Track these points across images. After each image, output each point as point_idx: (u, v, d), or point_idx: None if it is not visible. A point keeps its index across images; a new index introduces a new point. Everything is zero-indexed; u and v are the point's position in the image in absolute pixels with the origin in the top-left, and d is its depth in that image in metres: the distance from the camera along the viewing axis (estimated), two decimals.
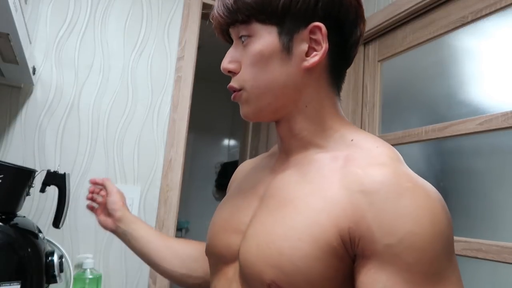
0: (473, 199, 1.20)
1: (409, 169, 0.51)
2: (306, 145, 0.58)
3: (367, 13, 1.71)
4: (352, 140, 0.56)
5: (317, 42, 0.55)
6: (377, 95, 1.67)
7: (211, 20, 0.60)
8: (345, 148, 0.55)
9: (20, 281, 0.84)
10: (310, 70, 0.56)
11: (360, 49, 1.79)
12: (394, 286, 0.43)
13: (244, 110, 0.59)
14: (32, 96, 1.30)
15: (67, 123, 1.34)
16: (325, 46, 0.54)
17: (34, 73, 1.22)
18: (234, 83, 0.58)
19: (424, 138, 1.38)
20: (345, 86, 2.03)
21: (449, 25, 1.35)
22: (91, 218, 1.33)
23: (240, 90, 0.57)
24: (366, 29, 1.67)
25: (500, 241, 1.08)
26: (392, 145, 1.65)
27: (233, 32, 0.58)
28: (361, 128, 1.72)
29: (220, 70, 0.61)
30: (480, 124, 1.19)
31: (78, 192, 1.32)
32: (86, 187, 1.33)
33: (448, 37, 1.37)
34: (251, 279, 0.52)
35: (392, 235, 0.44)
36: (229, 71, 0.58)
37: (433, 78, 1.41)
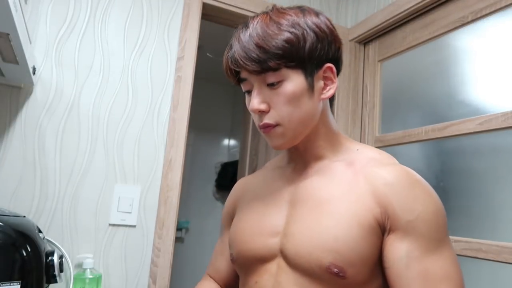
0: (473, 199, 1.20)
1: None
2: (320, 157, 0.73)
3: (367, 13, 1.71)
4: (357, 149, 0.73)
5: (328, 79, 0.71)
6: (377, 95, 1.67)
7: (227, 67, 0.69)
8: (354, 156, 0.71)
9: (20, 281, 0.84)
10: (323, 100, 0.71)
11: (360, 49, 1.79)
12: (414, 250, 0.60)
13: (277, 142, 0.70)
14: (32, 96, 1.30)
15: (67, 123, 1.34)
16: (336, 81, 0.71)
17: (34, 73, 1.22)
18: (269, 120, 0.68)
19: (424, 138, 1.38)
20: (345, 86, 2.02)
21: (449, 25, 1.35)
22: (91, 217, 1.33)
23: (275, 125, 0.68)
24: (366, 29, 1.68)
25: (500, 241, 1.08)
26: (392, 145, 1.63)
27: (256, 78, 0.67)
28: (361, 128, 1.72)
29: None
30: (480, 124, 1.19)
31: (78, 192, 1.32)
32: (86, 187, 1.34)
33: (448, 37, 1.37)
34: (307, 266, 0.63)
35: (411, 213, 0.61)
36: (260, 111, 0.68)
37: (433, 78, 1.41)
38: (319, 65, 0.68)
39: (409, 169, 0.66)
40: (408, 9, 1.47)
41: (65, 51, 1.36)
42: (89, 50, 1.39)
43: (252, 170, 2.42)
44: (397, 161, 0.69)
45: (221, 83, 3.72)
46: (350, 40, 1.78)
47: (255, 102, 0.67)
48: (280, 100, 0.66)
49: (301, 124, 0.68)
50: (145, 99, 1.46)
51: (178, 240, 3.41)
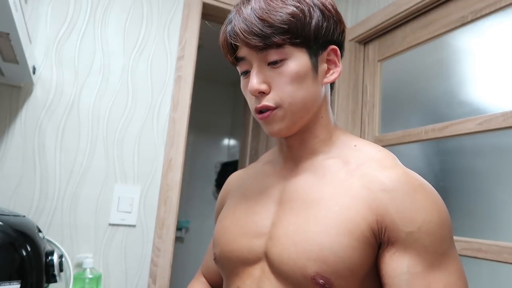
0: (473, 199, 1.20)
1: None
2: (314, 152, 0.67)
3: (367, 13, 1.71)
4: (355, 145, 0.67)
5: (332, 62, 0.67)
6: (377, 95, 1.67)
7: (225, 42, 0.65)
8: (351, 153, 0.65)
9: (20, 281, 0.84)
10: (324, 85, 0.67)
11: (360, 49, 1.79)
12: (416, 265, 0.54)
13: (277, 128, 0.64)
14: (32, 95, 1.30)
15: (67, 122, 1.34)
16: (340, 65, 0.67)
17: (34, 73, 1.22)
18: (268, 102, 0.62)
19: (424, 138, 1.38)
20: (345, 86, 2.02)
21: (449, 25, 1.35)
22: (91, 217, 1.33)
23: (275, 108, 0.62)
24: (366, 29, 1.68)
25: (500, 241, 1.08)
26: (392, 145, 1.63)
27: (256, 57, 0.62)
28: (361, 128, 1.72)
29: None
30: (480, 124, 1.19)
31: (78, 191, 1.32)
32: (86, 187, 1.34)
33: (448, 37, 1.37)
34: (291, 274, 0.58)
35: (412, 224, 0.54)
36: (259, 92, 0.63)
37: (433, 78, 1.41)
38: (324, 46, 0.65)
39: (411, 172, 0.60)
40: (408, 9, 1.47)
41: (65, 51, 1.36)
42: (89, 50, 1.39)
43: None
44: (398, 161, 0.63)
45: (221, 83, 3.72)
46: (350, 40, 1.78)
47: (254, 82, 0.62)
48: (282, 80, 0.61)
49: (303, 107, 0.63)
50: (145, 99, 1.46)
51: (178, 240, 3.41)
